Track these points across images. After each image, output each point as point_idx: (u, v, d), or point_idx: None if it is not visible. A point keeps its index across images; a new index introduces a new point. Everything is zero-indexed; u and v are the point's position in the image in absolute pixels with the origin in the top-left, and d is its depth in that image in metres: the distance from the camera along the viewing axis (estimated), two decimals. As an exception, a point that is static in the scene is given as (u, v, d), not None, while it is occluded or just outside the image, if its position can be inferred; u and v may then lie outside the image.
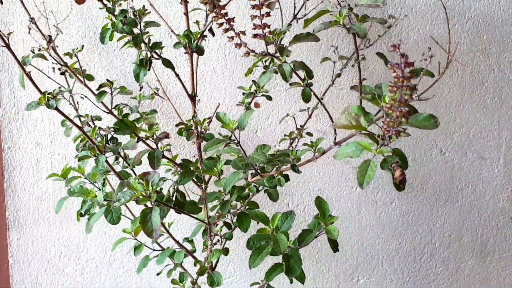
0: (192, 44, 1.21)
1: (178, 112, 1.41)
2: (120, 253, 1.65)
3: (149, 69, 1.18)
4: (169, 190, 1.16)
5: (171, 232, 1.37)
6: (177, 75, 1.27)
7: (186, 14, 1.24)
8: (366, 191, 1.72)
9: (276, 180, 1.15)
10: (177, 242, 1.32)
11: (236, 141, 1.12)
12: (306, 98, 1.16)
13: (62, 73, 1.24)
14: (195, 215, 1.13)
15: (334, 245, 1.16)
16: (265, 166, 1.17)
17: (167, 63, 1.19)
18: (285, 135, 1.44)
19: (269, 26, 1.04)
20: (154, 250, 1.39)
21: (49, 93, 1.14)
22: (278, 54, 1.06)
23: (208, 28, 1.22)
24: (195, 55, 1.25)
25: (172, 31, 1.29)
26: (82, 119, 1.22)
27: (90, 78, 1.41)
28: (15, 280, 1.64)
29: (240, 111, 1.55)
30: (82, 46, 1.27)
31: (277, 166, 1.19)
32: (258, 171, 1.15)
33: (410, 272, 1.80)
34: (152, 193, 0.98)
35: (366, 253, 1.76)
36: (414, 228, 1.77)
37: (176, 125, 1.31)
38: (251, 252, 1.12)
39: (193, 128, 1.27)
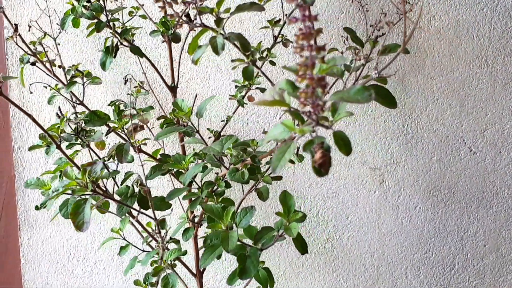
0: (169, 32, 1.10)
1: (162, 105, 1.30)
2: (128, 255, 1.55)
3: (114, 57, 1.08)
4: (132, 185, 1.05)
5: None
6: (152, 65, 1.16)
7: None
8: (386, 194, 1.52)
9: (240, 173, 1.00)
10: (160, 243, 1.20)
11: (195, 130, 0.99)
12: (247, 75, 1.00)
13: (33, 63, 1.16)
14: (145, 211, 1.01)
15: (301, 246, 0.98)
16: (229, 157, 1.03)
17: (136, 51, 1.08)
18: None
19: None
20: (143, 251, 1.28)
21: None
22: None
23: (185, 14, 1.10)
24: (175, 44, 1.13)
25: (150, 18, 1.19)
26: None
27: (97, 80, 1.34)
28: (27, 280, 1.59)
29: (233, 105, 1.41)
30: (45, 34, 1.19)
31: (242, 159, 1.04)
32: (224, 164, 1.01)
33: (439, 285, 1.56)
34: (89, 183, 0.87)
35: (388, 262, 1.55)
36: (442, 236, 1.54)
37: (158, 119, 1.19)
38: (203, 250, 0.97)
39: (174, 121, 1.15)
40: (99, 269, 1.57)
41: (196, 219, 1.18)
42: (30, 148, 1.09)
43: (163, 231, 1.04)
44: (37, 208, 1.08)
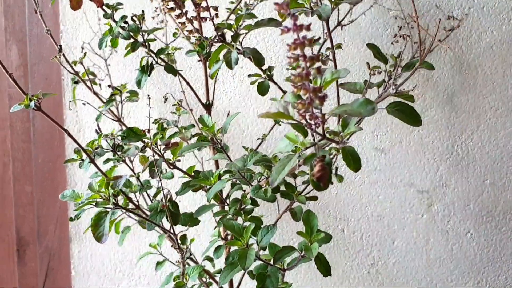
0: (204, 51, 1.09)
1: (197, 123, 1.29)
2: (167, 271, 1.55)
3: (149, 75, 1.09)
4: (162, 200, 1.04)
5: (192, 250, 1.23)
6: (188, 84, 1.16)
7: (198, 19, 1.13)
8: (435, 219, 1.42)
9: (263, 191, 0.96)
10: (192, 260, 1.18)
11: (220, 146, 0.96)
12: (262, 90, 0.96)
13: (76, 82, 1.19)
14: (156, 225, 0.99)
15: (324, 267, 0.92)
16: (253, 175, 0.99)
17: (169, 69, 1.08)
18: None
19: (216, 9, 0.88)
20: (180, 267, 1.26)
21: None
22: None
23: (220, 34, 1.10)
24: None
25: (187, 38, 1.19)
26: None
27: (134, 98, 1.36)
28: (76, 292, 1.62)
29: (269, 123, 1.38)
30: (85, 54, 1.22)
31: (265, 176, 1.00)
32: (249, 180, 0.98)
33: (494, 318, 1.43)
34: (110, 196, 0.87)
35: (437, 291, 1.44)
36: (497, 266, 1.41)
37: (193, 136, 1.18)
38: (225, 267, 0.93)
39: (208, 138, 1.14)
40: (143, 284, 1.57)
41: (229, 237, 1.15)
42: (65, 162, 1.11)
43: (183, 247, 1.02)
44: (71, 219, 1.09)
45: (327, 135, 0.68)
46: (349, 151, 0.68)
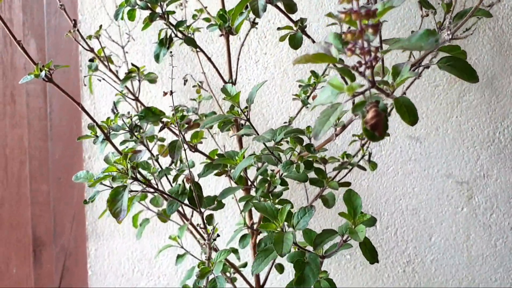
0: (226, 24, 0.99)
1: (221, 106, 1.18)
2: (192, 266, 1.43)
3: (168, 48, 0.99)
4: (183, 181, 0.93)
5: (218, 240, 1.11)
6: (209, 59, 1.05)
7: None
8: (476, 212, 1.28)
9: (295, 167, 0.84)
10: (215, 251, 1.05)
11: (246, 118, 0.85)
12: (294, 43, 0.85)
13: (91, 60, 1.10)
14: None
15: (370, 253, 0.79)
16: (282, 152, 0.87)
17: (190, 42, 0.98)
18: (354, 135, 1.12)
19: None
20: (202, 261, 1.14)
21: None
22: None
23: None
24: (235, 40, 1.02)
25: (208, 13, 1.09)
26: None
27: (153, 81, 1.27)
28: (93, 293, 1.50)
29: (297, 106, 1.27)
30: (100, 27, 1.12)
31: (295, 151, 0.88)
32: (278, 158, 0.86)
33: (544, 321, 1.28)
34: (129, 169, 0.76)
35: (480, 291, 1.30)
36: (546, 263, 1.26)
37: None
38: (257, 255, 0.81)
39: (231, 119, 1.03)
40: (163, 284, 1.45)
41: (255, 226, 1.03)
42: (79, 138, 1.01)
43: (209, 228, 0.90)
44: (85, 202, 0.99)
45: (377, 85, 0.56)
46: (403, 102, 0.56)
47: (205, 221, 0.87)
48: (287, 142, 0.90)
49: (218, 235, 0.91)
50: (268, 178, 0.89)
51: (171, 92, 0.89)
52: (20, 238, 1.55)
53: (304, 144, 0.86)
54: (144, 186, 0.86)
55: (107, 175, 0.81)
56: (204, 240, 0.89)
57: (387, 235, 1.32)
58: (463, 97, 1.25)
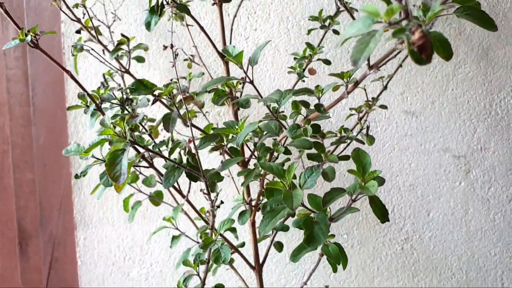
0: (218, -10, 0.94)
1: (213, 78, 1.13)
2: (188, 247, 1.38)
3: (160, 15, 0.93)
4: (179, 153, 0.87)
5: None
6: (202, 28, 1.00)
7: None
8: (474, 186, 1.25)
9: (302, 130, 0.80)
10: (215, 230, 1.00)
11: (248, 80, 0.80)
12: None
13: (78, 31, 1.04)
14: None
15: (380, 212, 0.75)
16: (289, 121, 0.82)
17: (183, 8, 0.93)
18: (351, 109, 1.08)
19: None
20: (198, 242, 1.09)
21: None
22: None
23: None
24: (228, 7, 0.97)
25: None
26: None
27: (141, 60, 1.21)
28: (83, 282, 1.44)
29: (290, 83, 1.22)
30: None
31: (302, 115, 0.83)
32: (282, 123, 0.81)
33: (544, 294, 1.26)
34: (127, 131, 0.70)
35: (479, 266, 1.27)
36: (545, 235, 1.24)
37: (209, 91, 1.02)
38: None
39: (226, 92, 0.98)
40: (155, 272, 1.40)
41: (253, 202, 0.98)
42: (69, 108, 0.94)
43: (213, 195, 0.85)
44: (76, 176, 0.93)
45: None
46: (436, 36, 0.52)
47: (209, 188, 0.82)
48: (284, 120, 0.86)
49: (222, 202, 0.86)
50: (271, 146, 0.84)
51: (172, 46, 0.84)
52: (4, 231, 1.49)
53: (308, 110, 0.81)
54: (144, 150, 0.80)
55: (104, 139, 0.75)
56: (203, 217, 0.84)
57: (385, 213, 1.28)
58: (458, 69, 1.22)
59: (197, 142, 0.96)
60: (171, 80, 1.07)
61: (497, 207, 1.24)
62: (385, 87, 1.10)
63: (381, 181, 0.74)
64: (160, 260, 1.39)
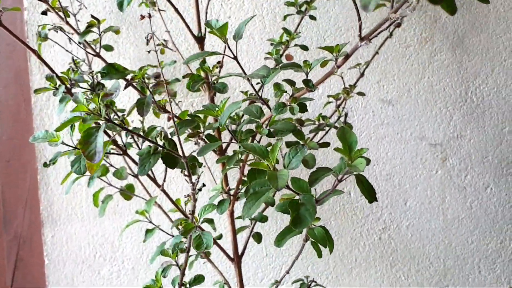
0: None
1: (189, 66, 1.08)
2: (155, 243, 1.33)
3: (132, -5, 0.88)
4: (155, 138, 0.83)
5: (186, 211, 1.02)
6: (176, 10, 0.96)
7: None
8: (450, 174, 1.24)
9: (289, 109, 0.76)
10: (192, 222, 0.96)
11: (233, 56, 0.76)
12: None
13: (44, 13, 0.98)
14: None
15: (367, 192, 0.72)
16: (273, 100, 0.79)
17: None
18: (329, 96, 1.06)
19: None
20: (172, 236, 1.04)
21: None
22: None
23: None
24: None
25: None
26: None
27: (110, 48, 1.16)
28: (51, 282, 1.37)
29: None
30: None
31: (288, 93, 0.80)
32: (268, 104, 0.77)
33: (520, 280, 1.26)
34: (102, 107, 0.65)
35: (456, 255, 1.26)
36: (520, 222, 1.24)
37: (184, 77, 0.98)
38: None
39: (201, 77, 0.94)
40: (127, 269, 1.34)
41: (232, 192, 0.94)
42: (36, 91, 0.88)
43: (194, 177, 0.80)
44: (45, 165, 0.87)
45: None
46: None
47: (190, 171, 0.77)
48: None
49: (204, 185, 0.82)
50: (254, 129, 0.80)
51: (149, 16, 0.79)
52: (-34, 230, 1.40)
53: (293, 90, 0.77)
54: (119, 128, 0.75)
55: (77, 116, 0.70)
56: (180, 208, 0.79)
57: (361, 203, 1.26)
58: (434, 56, 1.21)
59: (172, 130, 0.92)
60: (143, 67, 1.02)
61: (473, 195, 1.24)
62: (362, 74, 1.08)
63: (367, 160, 0.71)
64: (133, 257, 1.34)
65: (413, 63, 1.21)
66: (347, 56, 0.73)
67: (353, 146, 0.68)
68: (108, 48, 1.14)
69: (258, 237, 0.98)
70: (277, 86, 0.80)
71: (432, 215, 1.25)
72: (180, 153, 0.77)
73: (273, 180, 0.63)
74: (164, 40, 1.06)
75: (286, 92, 0.81)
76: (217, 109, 0.81)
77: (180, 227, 0.76)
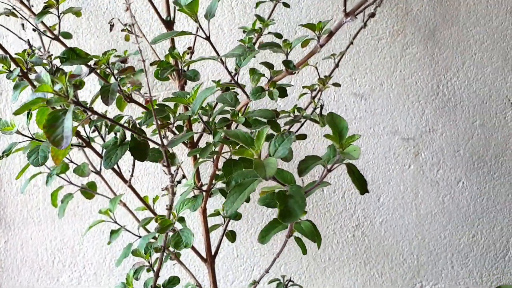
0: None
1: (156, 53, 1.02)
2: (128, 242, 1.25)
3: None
4: (122, 130, 0.76)
5: (157, 211, 0.95)
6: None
7: None
8: (423, 169, 1.22)
9: (268, 93, 0.71)
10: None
11: (206, 36, 0.70)
12: None
13: None
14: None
15: (360, 182, 0.67)
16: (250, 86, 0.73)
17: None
18: (304, 87, 1.01)
19: None
20: (139, 236, 0.97)
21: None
22: None
23: None
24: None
25: None
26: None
27: (68, 36, 1.08)
28: (4, 292, 1.27)
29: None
30: None
31: (266, 78, 0.75)
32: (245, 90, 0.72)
33: (491, 274, 1.25)
34: (70, 88, 0.58)
35: (430, 250, 1.24)
36: (492, 215, 1.23)
37: (151, 64, 0.91)
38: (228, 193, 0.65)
39: (171, 63, 0.88)
40: (89, 275, 1.25)
41: (205, 188, 0.88)
42: None
43: (173, 169, 0.73)
44: (-1, 157, 0.79)
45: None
46: None
47: (169, 161, 0.70)
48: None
49: (184, 176, 0.75)
50: (229, 117, 0.74)
51: None
52: None
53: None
54: (90, 112, 0.68)
55: (39, 98, 0.61)
56: (149, 206, 0.73)
57: (334, 199, 1.22)
58: (406, 49, 1.19)
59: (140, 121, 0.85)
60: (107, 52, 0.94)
61: (446, 189, 1.22)
62: (337, 65, 1.04)
63: (358, 150, 0.66)
64: (94, 262, 1.25)
65: (385, 56, 1.19)
66: (331, 34, 0.69)
67: (343, 132, 0.64)
68: (67, 35, 1.06)
69: (232, 236, 0.92)
70: (253, 70, 0.75)
71: (405, 211, 1.22)
72: (155, 143, 0.70)
73: (260, 169, 0.57)
74: (129, 26, 0.98)
75: (264, 75, 0.75)
76: (188, 96, 0.75)
77: (156, 224, 0.69)
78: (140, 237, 0.96)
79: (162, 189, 0.72)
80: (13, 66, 0.76)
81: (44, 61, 0.80)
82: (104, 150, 0.72)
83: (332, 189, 1.22)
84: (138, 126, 0.73)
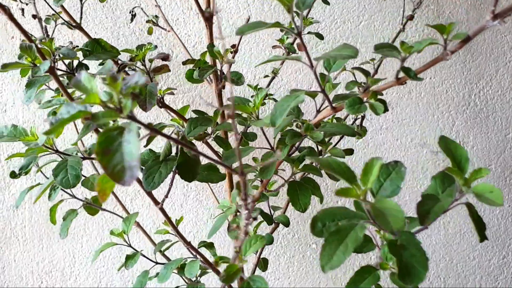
0: None
1: (186, 47, 0.88)
2: (120, 280, 1.10)
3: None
4: (166, 145, 0.61)
5: (182, 233, 0.81)
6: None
7: None
8: (451, 185, 1.12)
9: (370, 106, 0.59)
10: (190, 247, 0.75)
11: (296, 32, 0.57)
12: None
13: None
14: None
15: (479, 227, 0.54)
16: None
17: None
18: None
19: None
20: (157, 263, 0.83)
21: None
22: None
23: None
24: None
25: None
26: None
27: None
28: (-18, 322, 1.10)
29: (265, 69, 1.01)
30: None
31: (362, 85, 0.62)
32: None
33: (523, 298, 1.16)
34: (122, 99, 0.39)
35: (457, 272, 1.14)
36: (524, 235, 1.14)
37: (183, 63, 0.77)
38: (323, 242, 0.49)
39: (209, 63, 0.74)
40: (82, 301, 1.10)
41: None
42: (4, 66, 0.61)
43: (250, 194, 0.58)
44: (13, 175, 0.63)
45: None
46: None
47: (245, 185, 0.55)
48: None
49: (261, 211, 0.61)
50: (300, 130, 0.61)
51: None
52: None
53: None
54: (154, 133, 0.52)
55: (81, 111, 0.41)
56: (185, 241, 0.59)
57: (357, 217, 1.11)
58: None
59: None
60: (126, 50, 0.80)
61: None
62: (376, 71, 0.93)
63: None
64: (88, 286, 1.10)
65: (414, 61, 1.08)
66: (468, 39, 0.56)
67: (463, 164, 0.51)
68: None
69: (264, 264, 0.79)
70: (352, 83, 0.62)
71: (433, 230, 1.12)
72: (219, 163, 0.55)
73: (383, 219, 0.43)
74: (154, 16, 0.84)
75: (361, 84, 0.63)
76: (251, 104, 0.61)
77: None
78: (157, 263, 0.82)
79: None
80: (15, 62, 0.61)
81: (65, 52, 0.65)
82: (143, 168, 0.57)
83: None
84: (187, 138, 0.59)
